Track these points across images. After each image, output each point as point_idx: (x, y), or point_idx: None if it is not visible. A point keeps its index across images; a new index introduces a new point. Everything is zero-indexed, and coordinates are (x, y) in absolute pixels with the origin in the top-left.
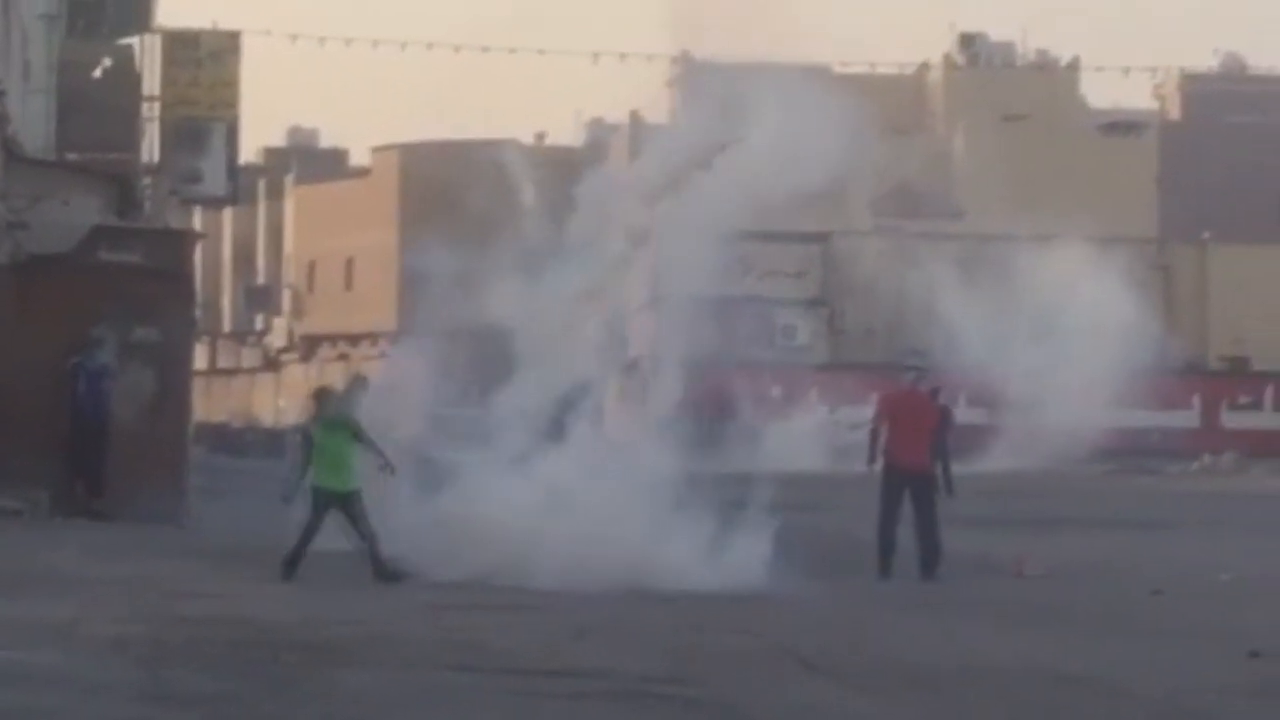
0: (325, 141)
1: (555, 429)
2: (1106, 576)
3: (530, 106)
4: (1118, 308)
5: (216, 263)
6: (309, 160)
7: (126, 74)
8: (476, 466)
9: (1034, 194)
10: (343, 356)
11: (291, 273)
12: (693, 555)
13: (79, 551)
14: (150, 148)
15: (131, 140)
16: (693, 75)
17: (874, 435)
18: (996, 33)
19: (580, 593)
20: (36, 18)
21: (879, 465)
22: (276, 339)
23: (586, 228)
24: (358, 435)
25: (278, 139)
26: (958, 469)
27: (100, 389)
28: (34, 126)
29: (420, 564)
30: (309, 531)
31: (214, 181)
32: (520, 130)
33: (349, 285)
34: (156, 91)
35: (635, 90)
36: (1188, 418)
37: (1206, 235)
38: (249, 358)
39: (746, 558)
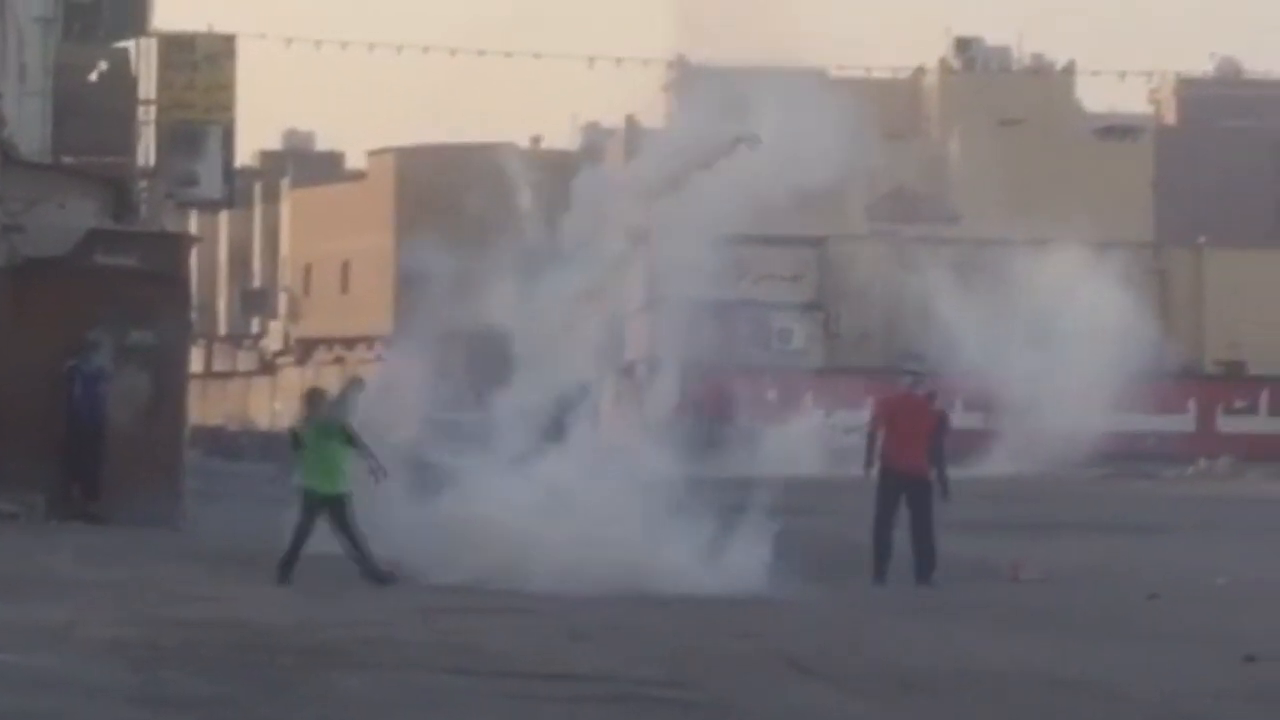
0: (321, 145)
1: (555, 429)
2: (1103, 581)
3: (526, 110)
4: (1114, 312)
5: (212, 266)
6: (305, 163)
7: (122, 77)
8: (474, 469)
9: (1030, 198)
10: (339, 360)
11: (287, 276)
12: (690, 559)
13: (75, 554)
14: (146, 151)
15: (127, 143)
16: (691, 77)
17: (871, 439)
18: (992, 37)
19: (578, 596)
20: (32, 21)
21: (875, 469)
22: (272, 342)
23: (582, 226)
24: (350, 438)
25: (274, 142)
26: (953, 473)
27: (96, 392)
28: (30, 129)
29: (418, 567)
30: (301, 534)
31: (210, 185)
32: (516, 134)
33: (345, 289)
34: (152, 95)
35: (631, 94)
36: (1183, 422)
37: (1202, 240)
38: (245, 361)
39: (744, 561)
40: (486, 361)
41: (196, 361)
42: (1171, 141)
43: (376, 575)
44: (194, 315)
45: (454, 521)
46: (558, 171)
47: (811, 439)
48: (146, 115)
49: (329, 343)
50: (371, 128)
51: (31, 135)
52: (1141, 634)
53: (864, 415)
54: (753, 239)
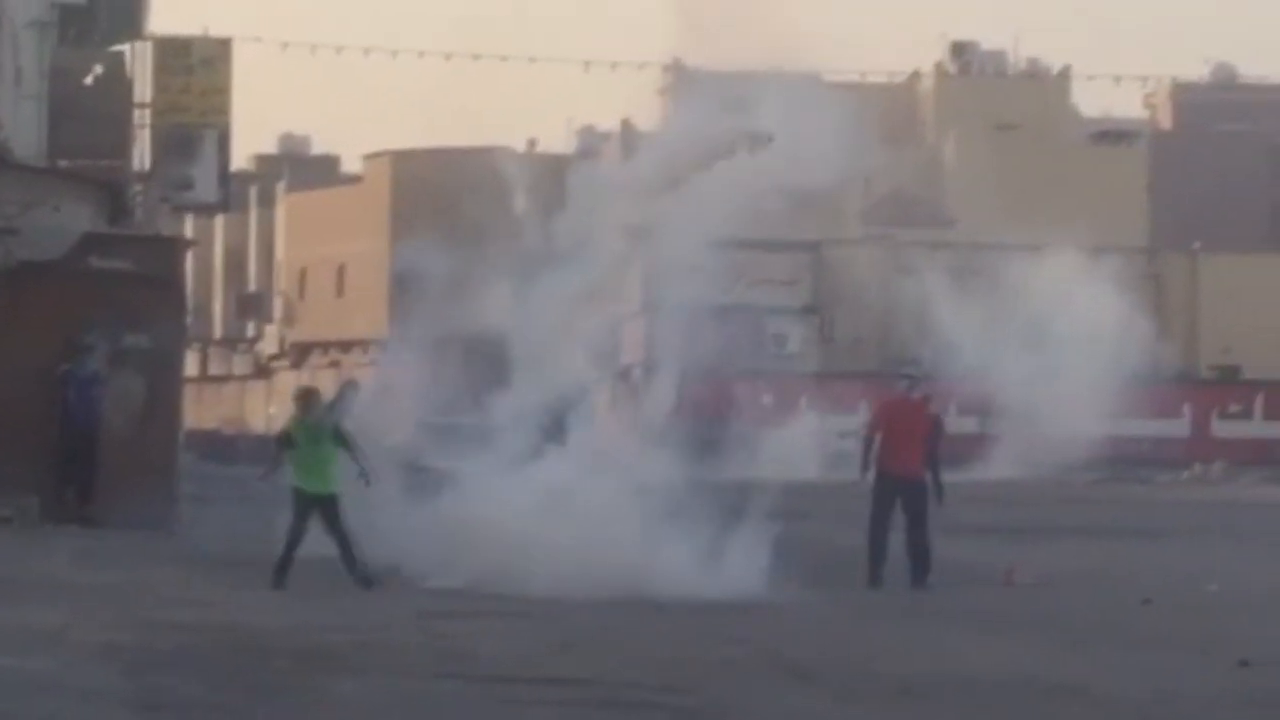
0: (317, 149)
1: (556, 429)
2: (1096, 585)
3: (522, 114)
4: (1109, 317)
5: (208, 270)
6: (300, 167)
7: (118, 81)
8: (470, 473)
9: (1025, 202)
10: (334, 364)
11: (283, 280)
12: (687, 563)
13: (69, 558)
14: (141, 154)
15: (123, 147)
16: (688, 79)
17: (867, 443)
18: (988, 41)
19: (572, 600)
20: (28, 25)
21: (871, 474)
22: (268, 346)
23: (578, 224)
24: (341, 438)
25: (269, 146)
26: (948, 477)
27: (91, 396)
28: (25, 133)
29: (416, 570)
30: (294, 536)
31: (205, 188)
32: (512, 137)
33: (340, 292)
34: (148, 98)
35: (626, 98)
36: (1178, 426)
37: (1197, 244)
38: (240, 365)
39: (740, 565)
40: (482, 365)
41: (191, 365)
42: (1167, 146)
43: (363, 577)
44: (189, 319)
45: (452, 525)
46: (553, 175)
47: (806, 443)
48: (142, 119)
49: (324, 347)
50: (367, 132)
51: (27, 139)
52: (1135, 639)
53: (859, 419)
54: (748, 243)
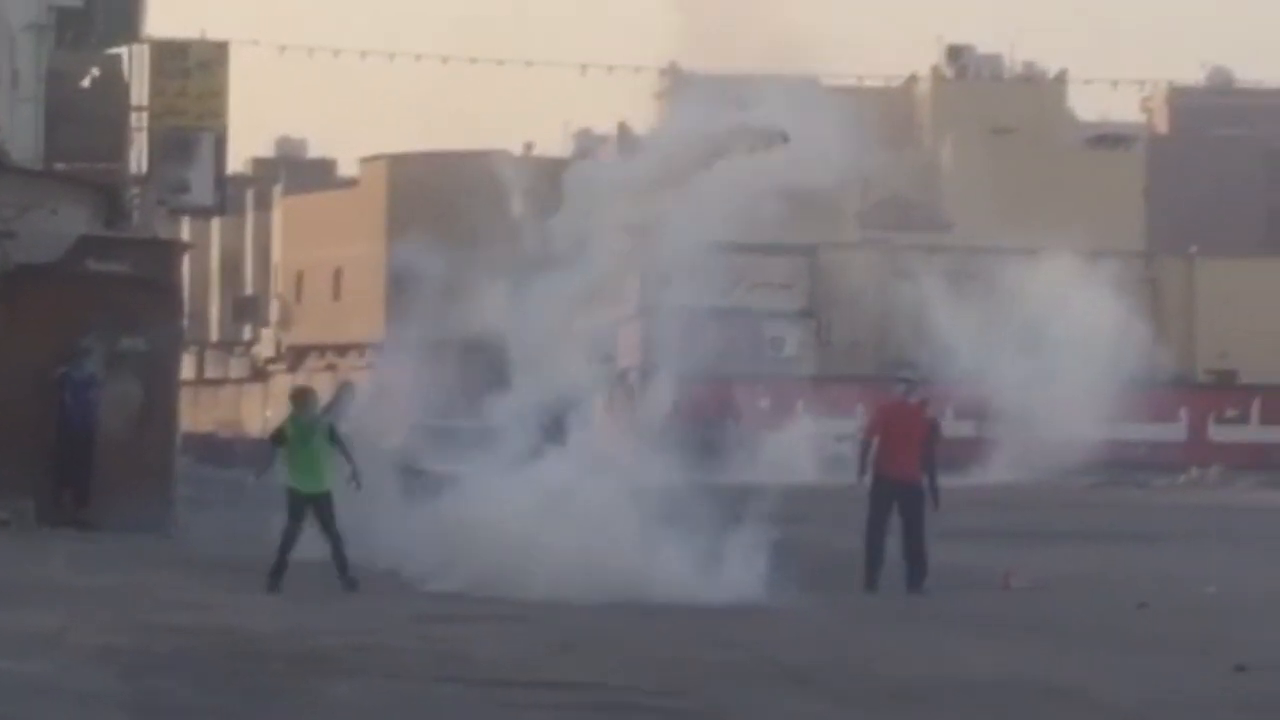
0: (313, 152)
1: (556, 431)
2: (1093, 589)
3: (519, 117)
4: (1105, 321)
5: (204, 273)
6: (297, 170)
7: (115, 84)
8: (465, 476)
9: (1022, 206)
10: (330, 367)
11: (279, 283)
12: (683, 566)
13: (66, 561)
14: (138, 157)
15: (119, 150)
16: (686, 82)
17: (865, 447)
18: (984, 45)
19: (570, 603)
20: (25, 28)
21: (868, 477)
22: (264, 349)
23: (574, 223)
24: (335, 438)
25: (266, 149)
26: (945, 481)
27: (87, 399)
28: (22, 136)
29: (414, 573)
30: (288, 538)
31: (202, 191)
32: (508, 141)
33: (337, 296)
34: (145, 101)
35: (623, 101)
36: (1175, 431)
37: (1193, 248)
38: (236, 368)
39: (738, 570)
40: (479, 367)
41: (188, 368)
42: (1163, 150)
43: (346, 579)
44: (185, 322)
45: (449, 527)
46: (550, 178)
47: (803, 446)
48: (139, 122)
49: (321, 350)
50: (364, 135)
51: (24, 142)
52: (1132, 643)
53: (856, 423)
54: (745, 247)
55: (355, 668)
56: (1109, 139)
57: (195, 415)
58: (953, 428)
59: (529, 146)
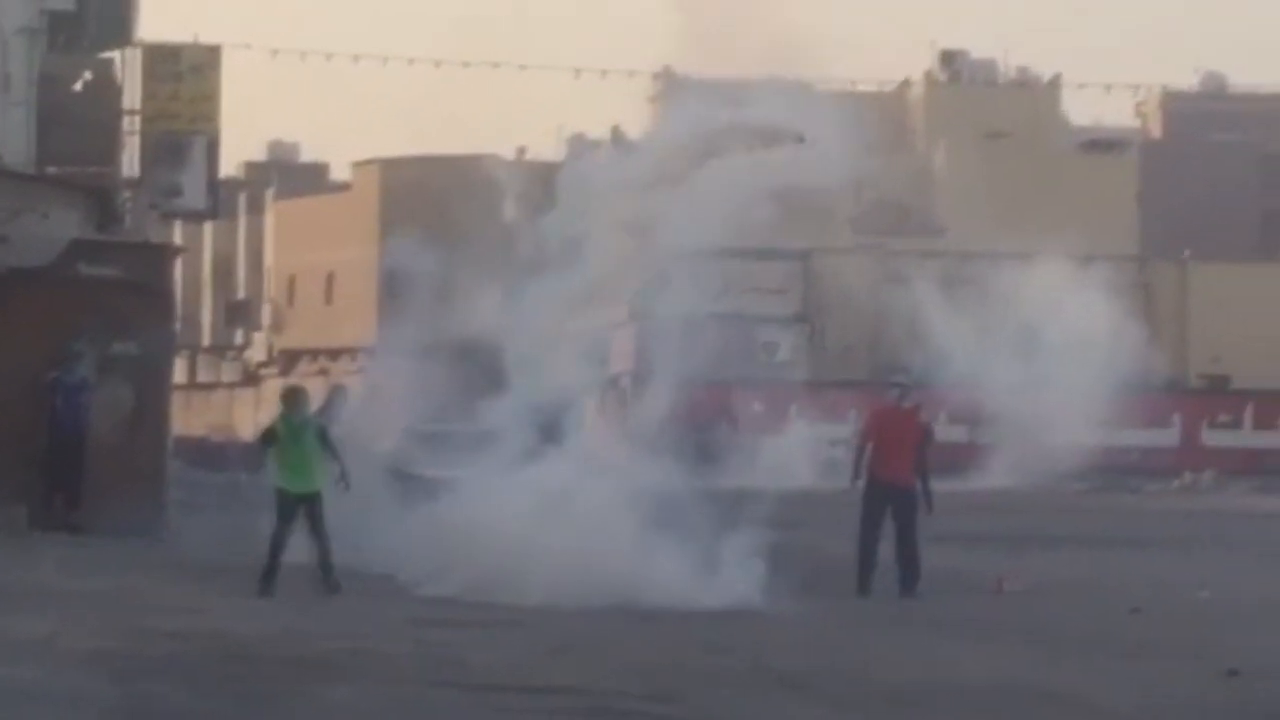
0: (306, 156)
1: (550, 434)
2: (1086, 594)
3: (512, 121)
4: (1099, 325)
5: (196, 277)
6: (289, 174)
7: (107, 87)
8: (460, 480)
9: (1015, 211)
10: (323, 371)
11: (271, 287)
12: (678, 571)
13: (57, 565)
14: (130, 161)
15: (111, 154)
16: (682, 85)
17: (859, 452)
18: (978, 50)
19: (564, 608)
20: (17, 31)
21: (862, 482)
22: (256, 353)
23: (567, 223)
24: (324, 438)
25: (258, 153)
26: (938, 486)
27: (79, 403)
28: (14, 139)
29: (410, 578)
30: (278, 540)
31: (194, 195)
32: (501, 145)
33: (329, 300)
34: (137, 105)
35: (616, 105)
36: (1168, 436)
37: (1187, 253)
38: (228, 372)
39: (731, 574)
40: (471, 371)
41: (180, 372)
42: (1157, 155)
43: (330, 581)
44: (177, 326)
45: (443, 532)
46: (543, 182)
47: (797, 451)
48: (131, 126)
49: (313, 354)
50: (356, 139)
51: (15, 145)
52: (1125, 648)
53: (850, 428)
54: (739, 252)
55: (349, 672)
56: (1103, 144)
57: (187, 419)
58: (946, 432)
59: (522, 151)
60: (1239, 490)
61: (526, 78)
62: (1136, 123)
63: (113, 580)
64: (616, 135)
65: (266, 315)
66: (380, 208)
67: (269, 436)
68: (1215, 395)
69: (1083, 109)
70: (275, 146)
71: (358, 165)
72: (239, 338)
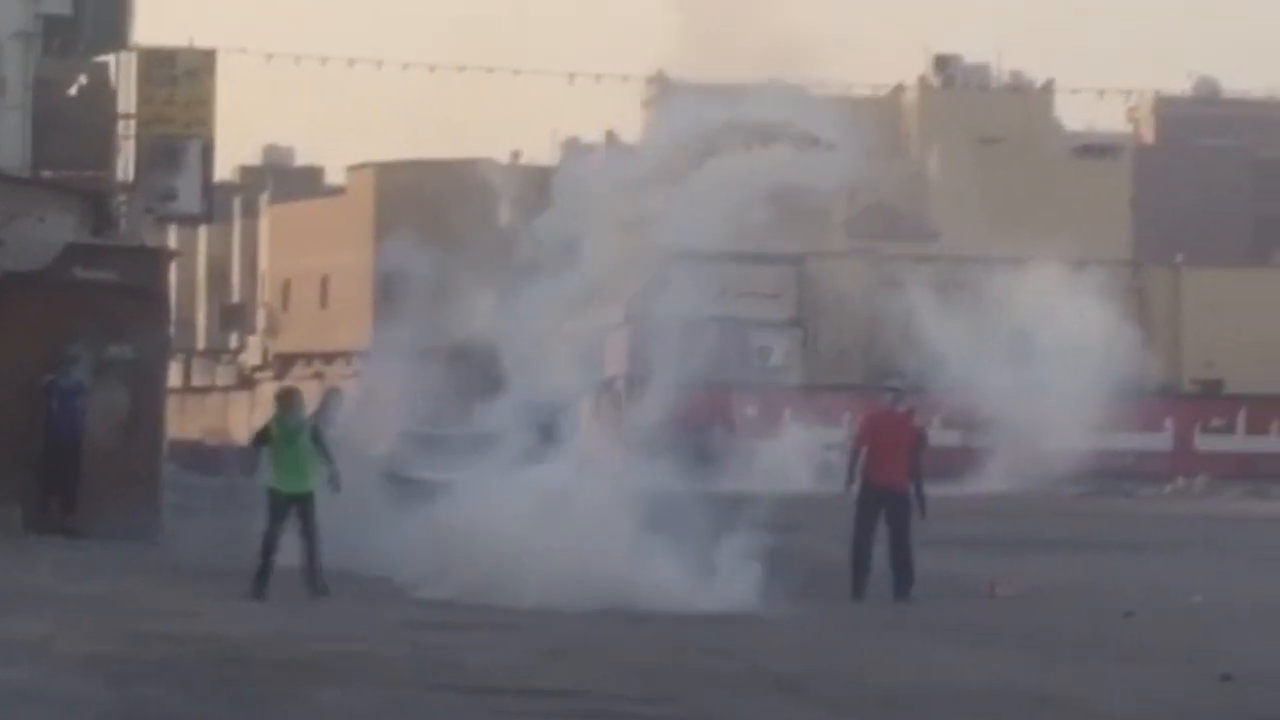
0: (301, 160)
1: (547, 435)
2: (1079, 598)
3: (506, 125)
4: (1092, 330)
5: (191, 281)
6: (284, 178)
7: (102, 91)
8: (455, 483)
9: (1009, 216)
10: (318, 375)
11: (266, 291)
12: (674, 574)
13: (53, 569)
14: (125, 165)
15: (107, 158)
16: (675, 89)
17: (853, 456)
18: (971, 55)
19: (560, 611)
20: (12, 35)
21: (856, 486)
22: (251, 357)
23: (563, 223)
24: (318, 440)
25: (253, 157)
26: (932, 490)
27: (74, 406)
28: (9, 144)
29: (405, 580)
30: (269, 542)
31: (189, 199)
32: (496, 149)
33: (324, 304)
34: (132, 109)
35: (611, 109)
36: (1161, 440)
37: (1180, 258)
38: (223, 376)
39: (726, 578)
40: (466, 374)
41: (175, 376)
42: (1150, 160)
43: (318, 584)
44: (172, 330)
45: (439, 535)
46: (538, 186)
47: (791, 455)
48: (126, 130)
49: (308, 358)
50: (351, 143)
51: (11, 149)
52: (1119, 651)
53: (844, 432)
54: (733, 256)
55: (345, 675)
56: (1096, 148)
57: (182, 423)
58: (940, 437)
59: (516, 155)
60: (1232, 495)
61: (521, 82)
62: (1129, 128)
63: (108, 583)
64: (611, 139)
65: (261, 319)
66: (375, 211)
67: (262, 437)
68: (1208, 400)
69: (1076, 114)
70: (270, 150)
71: (352, 169)
72: (234, 341)
